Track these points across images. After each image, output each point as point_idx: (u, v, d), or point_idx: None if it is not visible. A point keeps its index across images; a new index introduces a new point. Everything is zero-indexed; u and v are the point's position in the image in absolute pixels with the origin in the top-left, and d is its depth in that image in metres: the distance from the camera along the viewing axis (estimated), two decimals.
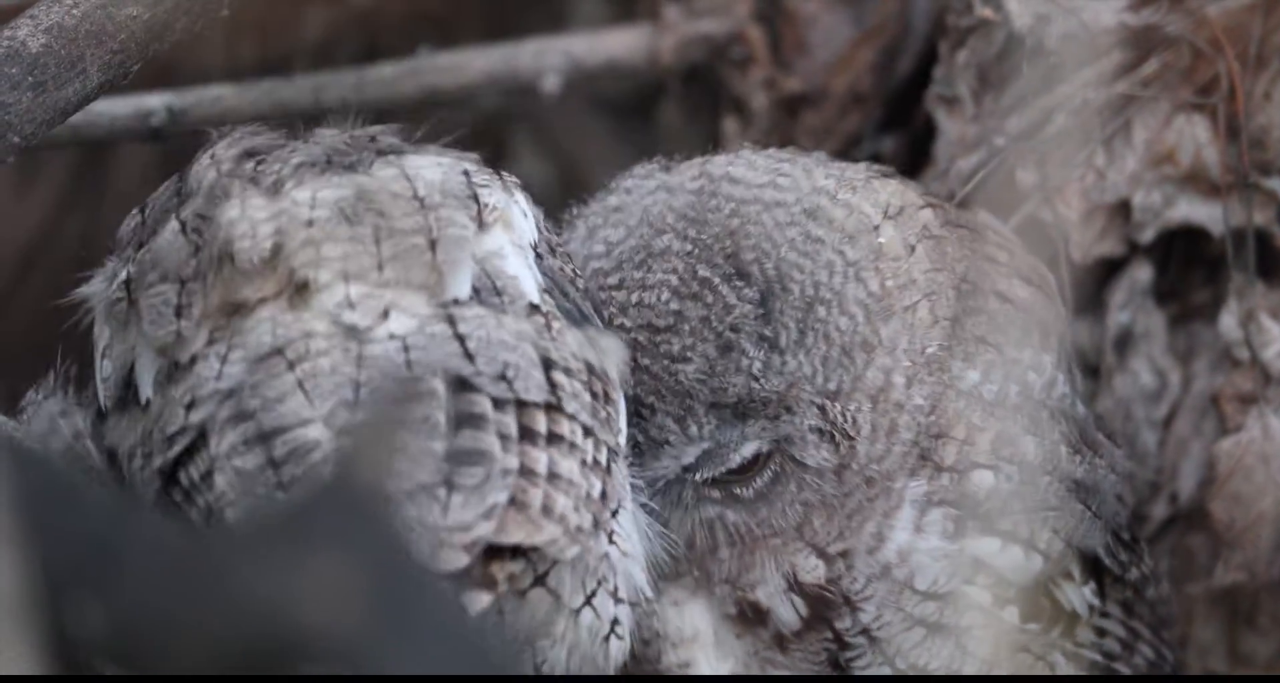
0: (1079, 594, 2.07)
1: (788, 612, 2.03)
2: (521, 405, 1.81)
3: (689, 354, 2.00)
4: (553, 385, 1.83)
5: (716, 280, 2.01)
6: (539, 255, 1.91)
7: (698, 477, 2.02)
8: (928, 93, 2.42)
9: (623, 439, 1.92)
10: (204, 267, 1.84)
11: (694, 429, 2.00)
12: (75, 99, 1.98)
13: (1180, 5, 2.31)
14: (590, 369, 1.87)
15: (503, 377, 1.81)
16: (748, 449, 2.01)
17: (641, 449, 2.00)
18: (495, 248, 1.87)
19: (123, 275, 1.90)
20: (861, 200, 2.06)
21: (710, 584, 2.05)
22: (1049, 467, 2.05)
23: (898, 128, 2.51)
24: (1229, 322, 2.30)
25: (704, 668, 2.06)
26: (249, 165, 1.90)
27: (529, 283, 1.87)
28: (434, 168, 1.89)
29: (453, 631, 1.50)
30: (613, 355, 1.91)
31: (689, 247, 2.03)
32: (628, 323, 2.01)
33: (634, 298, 2.02)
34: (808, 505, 2.02)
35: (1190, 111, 2.31)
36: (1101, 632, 2.09)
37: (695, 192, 2.07)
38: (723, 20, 2.57)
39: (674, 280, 2.02)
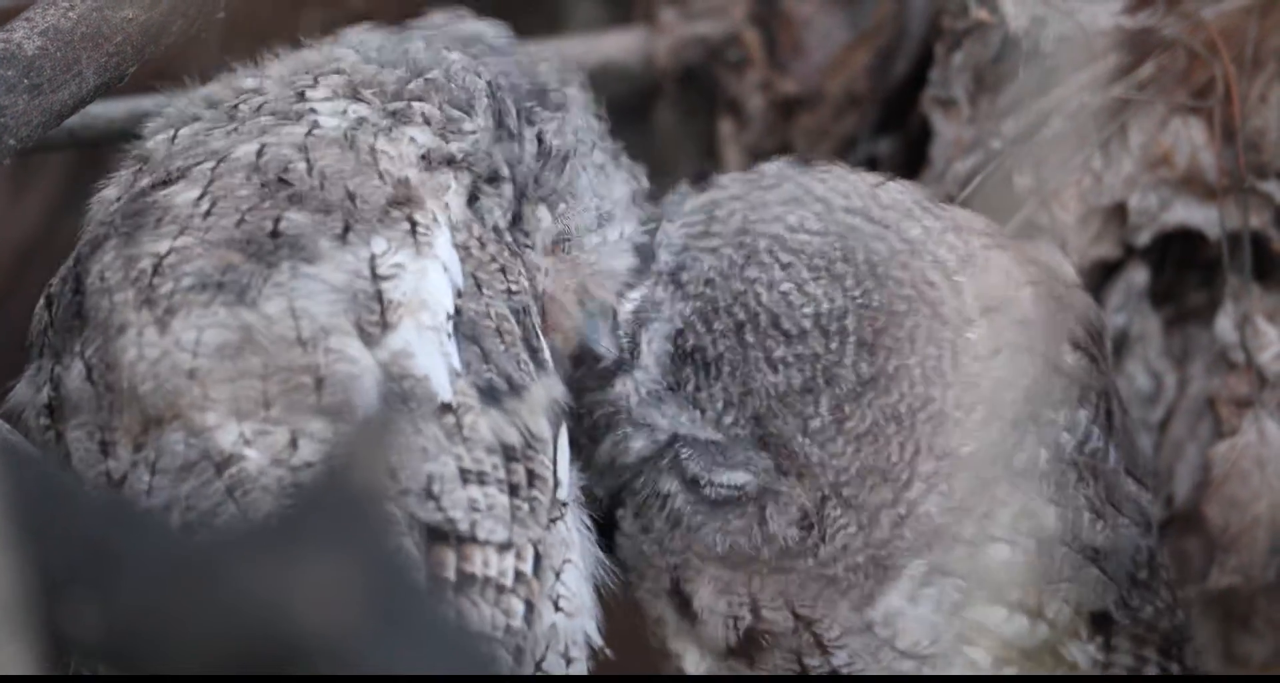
0: (1083, 651, 2.05)
1: (718, 631, 2.03)
2: (434, 538, 1.81)
3: (780, 366, 1.98)
4: (467, 505, 1.83)
5: (850, 341, 1.99)
6: (458, 312, 1.87)
7: (685, 464, 2.01)
8: (924, 95, 2.42)
9: (564, 491, 1.91)
10: (118, 406, 1.83)
11: (726, 419, 1.99)
12: (71, 101, 1.98)
13: (1176, 8, 2.31)
14: (509, 455, 1.86)
15: (430, 493, 1.81)
16: (738, 476, 2.00)
17: (677, 381, 2.00)
18: (401, 347, 1.83)
19: (44, 397, 1.89)
20: (969, 285, 2.03)
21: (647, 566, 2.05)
22: (1068, 537, 2.03)
23: (894, 130, 2.52)
24: (1225, 325, 2.30)
25: (689, 665, 2.07)
26: (143, 278, 1.85)
27: (439, 376, 1.84)
28: (324, 295, 1.84)
29: (446, 632, 1.50)
30: (540, 404, 1.89)
31: (857, 295, 1.99)
32: (760, 295, 2.00)
33: (786, 286, 2.00)
34: (735, 551, 2.00)
35: (1186, 114, 2.31)
36: (1107, 665, 2.08)
37: (884, 243, 2.03)
38: (718, 22, 2.57)
39: (823, 308, 1.99)
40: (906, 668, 2.00)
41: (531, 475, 1.87)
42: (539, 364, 1.92)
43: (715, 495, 2.00)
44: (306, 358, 1.81)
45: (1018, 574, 2.00)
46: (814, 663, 2.01)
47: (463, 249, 1.91)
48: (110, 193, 1.96)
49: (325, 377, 1.81)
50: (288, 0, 2.52)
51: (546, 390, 1.91)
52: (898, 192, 2.07)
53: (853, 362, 1.98)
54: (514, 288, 1.93)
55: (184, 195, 1.88)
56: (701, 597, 2.03)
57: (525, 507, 1.86)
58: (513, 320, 1.91)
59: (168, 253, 1.85)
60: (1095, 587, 2.05)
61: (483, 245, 1.93)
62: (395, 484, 1.80)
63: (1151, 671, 2.11)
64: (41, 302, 1.94)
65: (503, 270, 1.93)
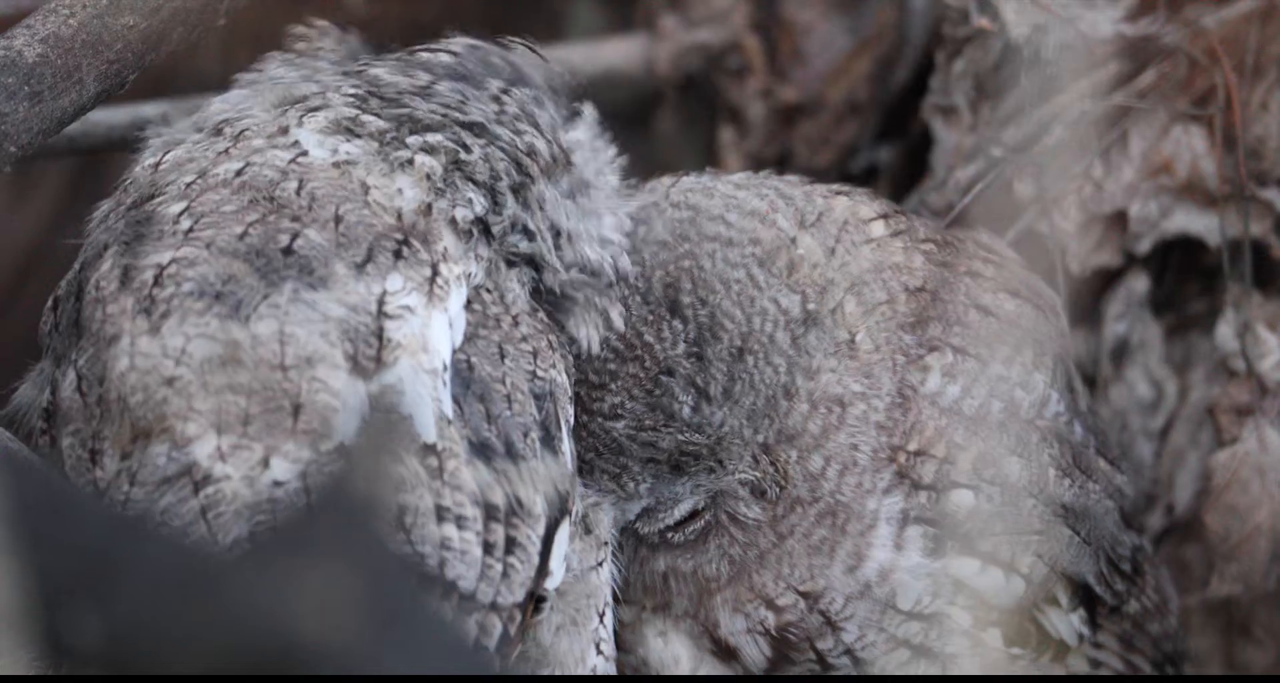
0: (1066, 622, 2.05)
1: (753, 652, 2.03)
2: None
3: (619, 412, 1.99)
4: (439, 543, 1.81)
5: (648, 333, 2.00)
6: (469, 366, 1.86)
7: (640, 531, 2.02)
8: (924, 102, 2.42)
9: (553, 582, 1.88)
10: (109, 416, 1.82)
11: (631, 486, 2.00)
12: (72, 109, 1.98)
13: (1177, 16, 2.31)
14: (490, 514, 1.84)
15: (402, 525, 1.80)
16: (684, 507, 2.01)
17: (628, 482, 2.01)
18: (392, 382, 1.82)
19: (43, 401, 1.89)
20: (782, 217, 2.04)
21: (673, 616, 2.05)
22: (1034, 489, 2.03)
23: (894, 137, 2.52)
24: (1225, 332, 2.30)
25: None
26: (144, 288, 1.84)
27: (425, 418, 1.82)
28: (318, 324, 1.82)
29: (445, 640, 1.50)
30: (537, 479, 1.88)
31: (636, 297, 2.02)
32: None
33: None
34: (733, 562, 2.02)
35: (1187, 122, 2.31)
36: (1096, 663, 2.08)
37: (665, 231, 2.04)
38: (719, 30, 2.57)
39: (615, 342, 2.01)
40: (913, 632, 2.01)
41: (511, 543, 1.85)
42: (551, 450, 1.90)
43: (685, 535, 2.02)
44: (287, 383, 1.80)
45: (985, 523, 2.01)
46: (828, 646, 2.02)
47: (491, 319, 1.90)
48: (106, 207, 1.95)
49: (303, 404, 1.80)
50: (288, 7, 2.52)
51: (549, 472, 1.88)
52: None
53: (670, 340, 1.99)
54: (539, 373, 1.91)
55: (174, 208, 1.88)
56: (724, 626, 2.03)
57: (497, 567, 1.84)
58: (529, 398, 1.89)
59: (170, 262, 1.84)
60: (1069, 548, 2.05)
61: (515, 322, 1.92)
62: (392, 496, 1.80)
63: None
64: (50, 302, 1.93)
65: (534, 354, 1.92)
